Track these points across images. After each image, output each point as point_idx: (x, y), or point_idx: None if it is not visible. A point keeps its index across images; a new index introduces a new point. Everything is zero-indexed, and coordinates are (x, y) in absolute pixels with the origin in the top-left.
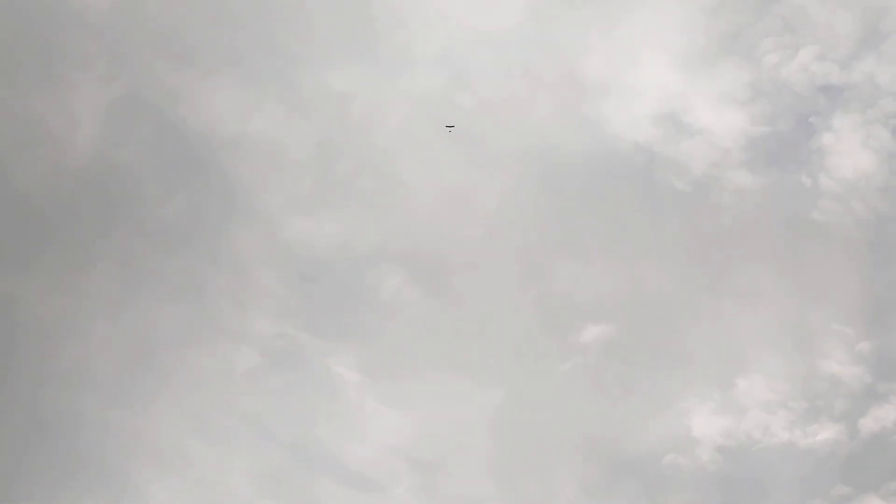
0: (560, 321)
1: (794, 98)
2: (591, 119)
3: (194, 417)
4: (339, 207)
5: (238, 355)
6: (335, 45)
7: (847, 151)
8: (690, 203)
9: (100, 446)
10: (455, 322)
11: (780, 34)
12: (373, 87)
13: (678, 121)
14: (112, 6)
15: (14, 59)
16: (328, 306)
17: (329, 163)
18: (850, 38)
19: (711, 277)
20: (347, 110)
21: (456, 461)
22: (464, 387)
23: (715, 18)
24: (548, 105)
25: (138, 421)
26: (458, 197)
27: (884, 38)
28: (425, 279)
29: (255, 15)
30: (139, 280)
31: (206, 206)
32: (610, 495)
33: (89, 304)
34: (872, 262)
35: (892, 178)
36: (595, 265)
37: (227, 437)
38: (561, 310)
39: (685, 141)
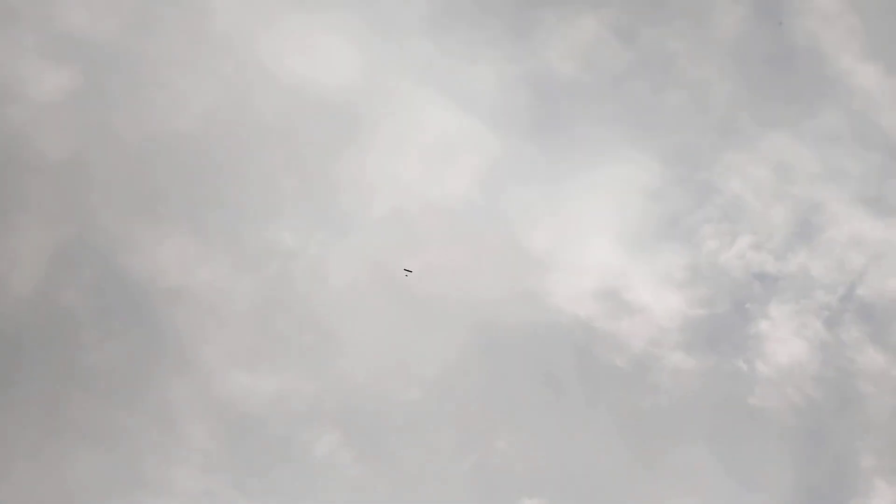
0: (496, 492)
1: (732, 284)
2: (534, 291)
3: None
4: (278, 363)
5: None
6: (287, 200)
7: (782, 339)
8: (628, 380)
9: None
10: (389, 486)
11: (718, 221)
12: (321, 244)
13: (619, 298)
14: (69, 157)
15: None
16: (258, 464)
17: (271, 318)
18: (784, 230)
19: (648, 456)
20: (293, 267)
21: None
22: None
23: (657, 203)
24: (492, 275)
25: None
26: (400, 359)
27: (817, 232)
28: (361, 441)
29: (206, 168)
30: (62, 423)
31: (139, 354)
32: None
33: (8, 443)
34: (806, 449)
35: (825, 367)
36: (533, 437)
37: None
38: (497, 481)
39: (625, 318)
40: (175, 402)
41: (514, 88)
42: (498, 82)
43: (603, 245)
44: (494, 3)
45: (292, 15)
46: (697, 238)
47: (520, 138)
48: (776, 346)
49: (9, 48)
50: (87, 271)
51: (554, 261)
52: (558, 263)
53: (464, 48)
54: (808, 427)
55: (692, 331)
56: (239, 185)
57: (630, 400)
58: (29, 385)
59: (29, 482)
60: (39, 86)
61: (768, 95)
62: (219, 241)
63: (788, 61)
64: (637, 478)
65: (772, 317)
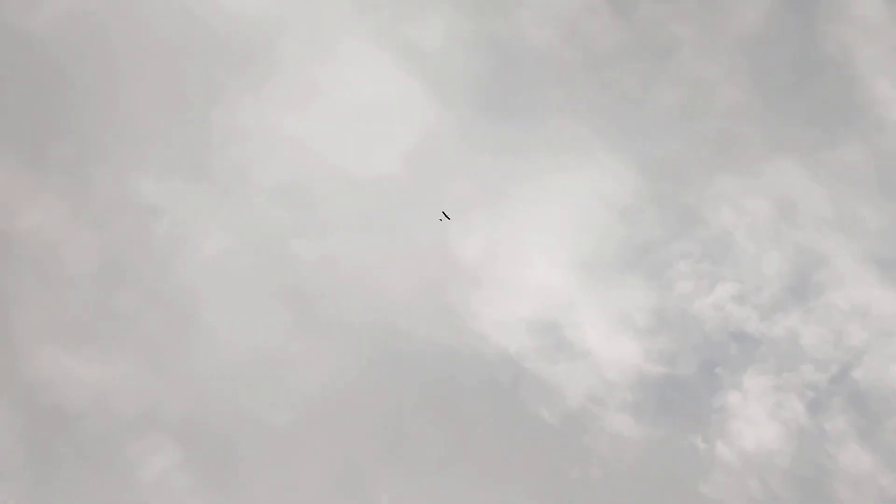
0: None
1: (702, 340)
2: (455, 308)
3: None
4: (110, 348)
5: None
6: (155, 143)
7: (753, 418)
8: (556, 440)
9: None
10: None
11: (698, 259)
12: (191, 207)
13: (560, 335)
14: None
15: None
16: (66, 473)
17: (111, 288)
18: (776, 284)
19: None
20: (151, 228)
21: None
22: None
23: (626, 224)
24: (406, 278)
25: None
26: (272, 367)
27: (815, 292)
28: (205, 463)
29: (53, 80)
30: None
31: None
32: None
33: None
34: None
35: (800, 461)
36: (428, 486)
37: None
38: None
39: (563, 362)
40: None
41: (470, 51)
42: (451, 40)
43: (551, 265)
44: None
45: None
46: (669, 276)
47: (469, 114)
48: (744, 425)
49: None
50: None
51: (486, 275)
52: (491, 279)
53: None
54: None
55: (644, 390)
56: (95, 109)
57: (554, 464)
58: None
59: None
60: None
61: (783, 111)
62: (57, 179)
63: (813, 74)
64: None
65: (745, 388)
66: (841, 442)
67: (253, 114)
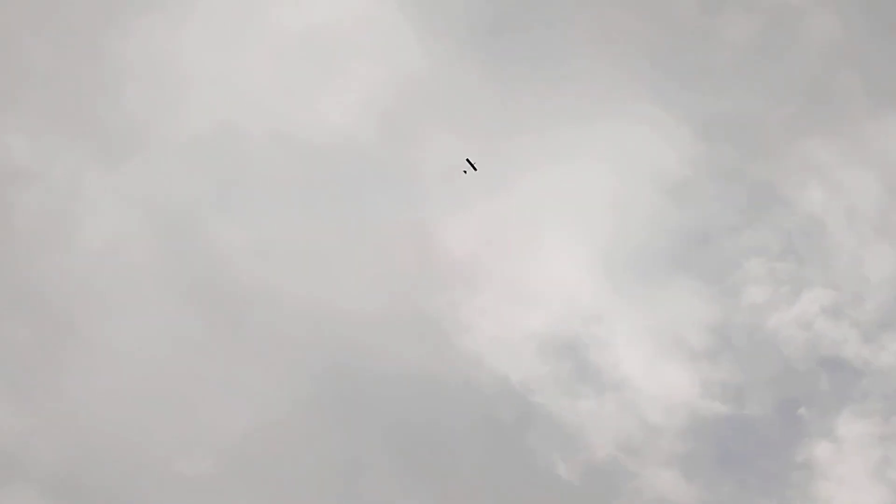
0: None
1: (782, 367)
2: (438, 322)
3: None
4: None
5: None
6: (28, 88)
7: (849, 477)
8: (576, 501)
9: None
10: None
11: (776, 257)
12: (75, 169)
13: (582, 359)
14: None
15: None
16: None
17: None
18: (886, 293)
19: None
20: (22, 198)
21: None
22: None
23: (676, 205)
24: (369, 278)
25: None
26: (183, 397)
27: None
28: None
29: None
30: None
31: None
32: None
33: None
34: None
35: None
36: None
37: None
38: None
39: (588, 396)
40: None
41: None
42: None
43: (571, 261)
44: None
45: None
46: (736, 279)
47: (463, 53)
48: (837, 487)
49: None
50: None
51: (482, 274)
52: (489, 280)
53: None
54: None
55: (699, 438)
56: None
57: None
58: None
59: None
60: None
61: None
62: None
63: None
64: None
65: (839, 436)
66: None
67: (159, 44)
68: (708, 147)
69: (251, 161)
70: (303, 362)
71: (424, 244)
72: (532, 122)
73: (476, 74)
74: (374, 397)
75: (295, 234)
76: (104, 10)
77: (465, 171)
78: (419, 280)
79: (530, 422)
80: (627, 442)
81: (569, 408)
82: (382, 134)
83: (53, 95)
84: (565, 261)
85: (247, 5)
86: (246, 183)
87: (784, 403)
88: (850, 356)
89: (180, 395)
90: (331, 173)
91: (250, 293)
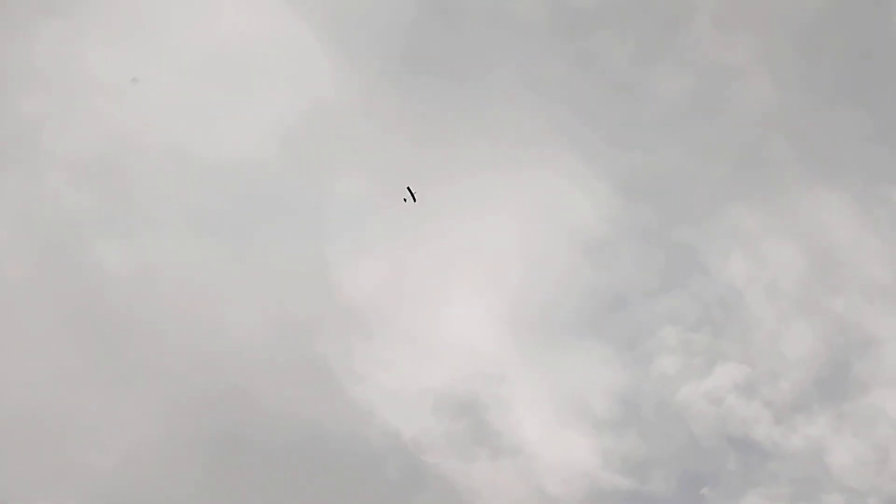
0: None
1: (689, 444)
2: (330, 367)
3: None
4: None
5: None
6: None
7: None
8: None
9: None
10: None
11: (692, 327)
12: None
13: (480, 420)
14: None
15: None
16: None
17: None
18: (803, 373)
19: None
20: None
21: None
22: None
23: (593, 265)
24: (263, 314)
25: None
26: (53, 435)
27: (857, 391)
28: None
29: None
30: None
31: None
32: None
33: None
34: None
35: None
36: None
37: None
38: None
39: (484, 459)
40: None
41: None
42: None
43: (477, 315)
44: None
45: None
46: (649, 346)
47: (379, 80)
48: None
49: None
50: None
51: (381, 321)
52: (387, 328)
53: None
54: None
55: None
56: None
57: None
58: None
59: None
60: None
61: (833, 121)
62: None
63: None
64: None
65: None
66: None
67: (58, 52)
68: (629, 205)
69: (143, 179)
70: (182, 398)
71: (323, 285)
72: (446, 167)
73: (390, 111)
74: (255, 441)
75: (184, 260)
76: (2, 14)
77: (405, 199)
78: (314, 322)
79: (419, 482)
80: None
81: (462, 470)
82: (286, 162)
83: None
84: (470, 316)
85: (152, 17)
86: (136, 202)
87: (688, 481)
88: (760, 437)
89: (48, 426)
90: (228, 199)
91: (131, 321)
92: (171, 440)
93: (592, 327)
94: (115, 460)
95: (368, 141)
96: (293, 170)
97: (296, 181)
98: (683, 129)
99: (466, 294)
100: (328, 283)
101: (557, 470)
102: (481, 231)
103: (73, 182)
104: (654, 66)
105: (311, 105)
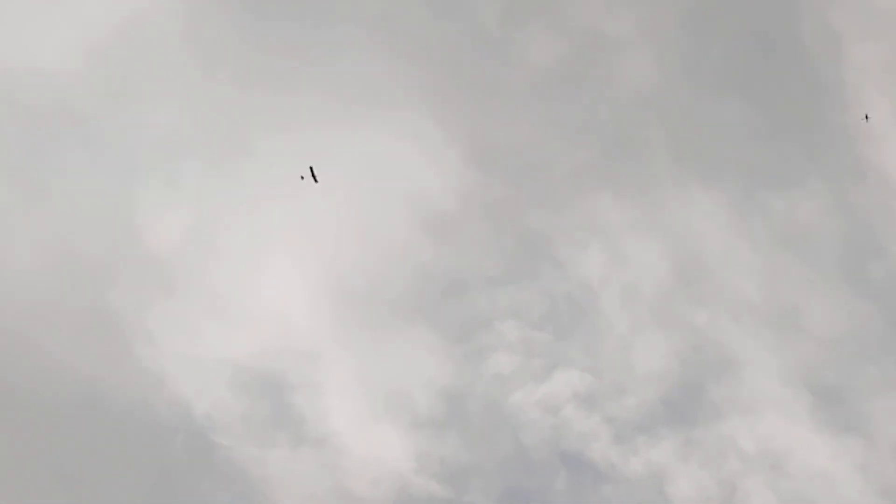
0: None
1: (517, 454)
2: (118, 322)
3: None
4: None
5: None
6: None
7: None
8: None
9: None
10: None
11: (533, 324)
12: None
13: (285, 402)
14: None
15: None
16: None
17: None
18: (651, 391)
19: None
20: None
21: None
22: None
23: (432, 241)
24: (45, 254)
25: None
26: None
27: (708, 416)
28: None
29: None
30: None
31: None
32: None
33: None
34: None
35: None
36: None
37: None
38: None
39: (285, 446)
40: None
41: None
42: None
43: (292, 280)
44: None
45: None
46: (484, 341)
47: (212, 4)
48: None
49: None
50: None
51: (183, 276)
52: (190, 285)
53: None
54: None
55: None
56: None
57: None
58: None
59: None
60: None
61: (711, 110)
62: None
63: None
64: None
65: None
66: None
67: None
68: (480, 179)
69: None
70: None
71: (122, 226)
72: (277, 115)
73: (219, 41)
74: (23, 390)
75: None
76: None
77: (302, 177)
78: (107, 268)
79: (207, 464)
80: None
81: (256, 457)
82: (93, 79)
83: None
84: (286, 283)
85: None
86: None
87: (510, 496)
88: (597, 456)
89: None
90: (23, 116)
91: None
92: None
93: (423, 312)
94: None
95: (190, 70)
96: (99, 89)
97: (101, 103)
98: (550, 101)
99: (285, 258)
100: (128, 225)
101: (365, 468)
102: (309, 190)
103: None
104: (525, 26)
105: (126, 16)
